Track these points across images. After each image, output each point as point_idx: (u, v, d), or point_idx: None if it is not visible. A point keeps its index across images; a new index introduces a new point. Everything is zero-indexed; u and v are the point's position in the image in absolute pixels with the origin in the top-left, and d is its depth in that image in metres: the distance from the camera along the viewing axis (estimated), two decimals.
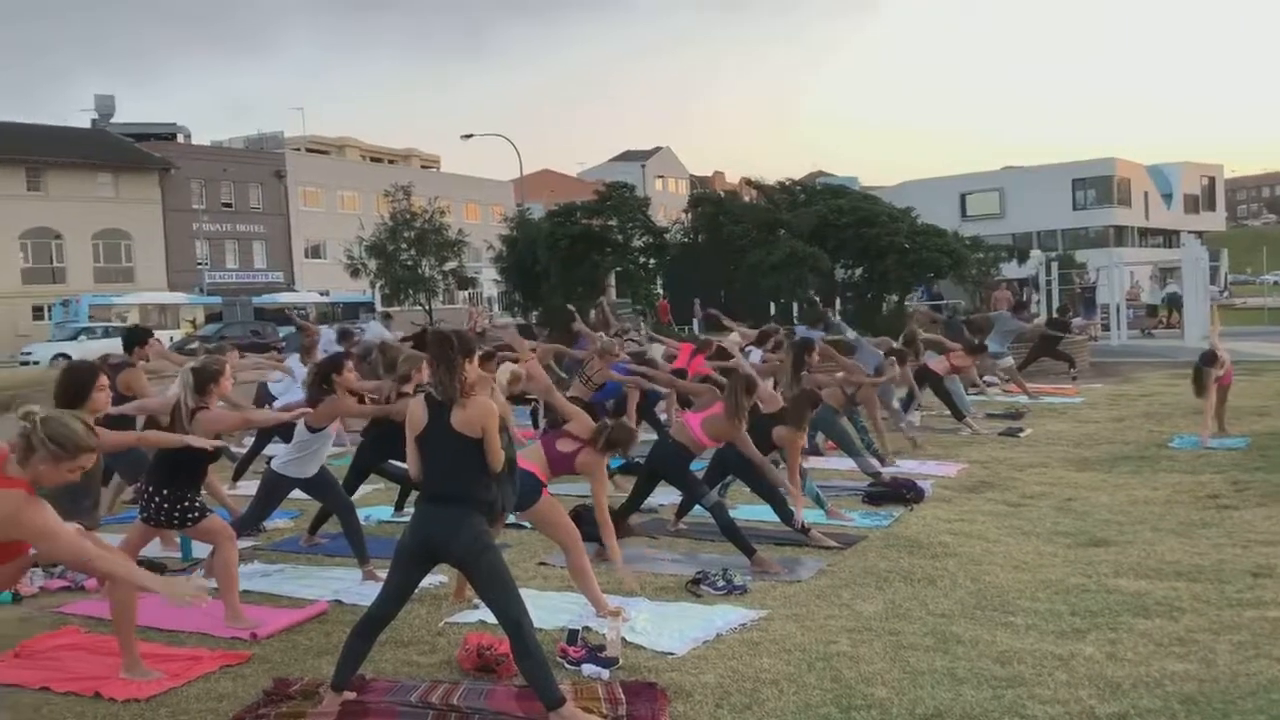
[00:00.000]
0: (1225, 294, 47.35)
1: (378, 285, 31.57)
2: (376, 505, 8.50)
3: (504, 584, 4.18)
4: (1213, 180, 73.93)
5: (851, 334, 12.04)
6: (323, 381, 6.46)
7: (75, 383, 5.39)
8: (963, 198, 61.91)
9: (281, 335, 30.05)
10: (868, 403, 9.56)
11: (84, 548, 3.68)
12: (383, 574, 4.79)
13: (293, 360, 11.41)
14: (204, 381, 5.67)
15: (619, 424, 5.89)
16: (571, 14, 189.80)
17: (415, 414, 4.25)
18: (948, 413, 12.29)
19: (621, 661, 4.80)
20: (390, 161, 69.63)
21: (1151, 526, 7.16)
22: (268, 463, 7.29)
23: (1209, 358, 10.57)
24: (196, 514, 5.65)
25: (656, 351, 11.80)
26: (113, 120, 54.22)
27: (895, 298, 20.50)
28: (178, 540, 7.06)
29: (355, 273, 31.62)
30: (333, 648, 4.89)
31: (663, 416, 11.24)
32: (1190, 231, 50.58)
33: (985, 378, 14.80)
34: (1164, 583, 5.78)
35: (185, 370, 5.72)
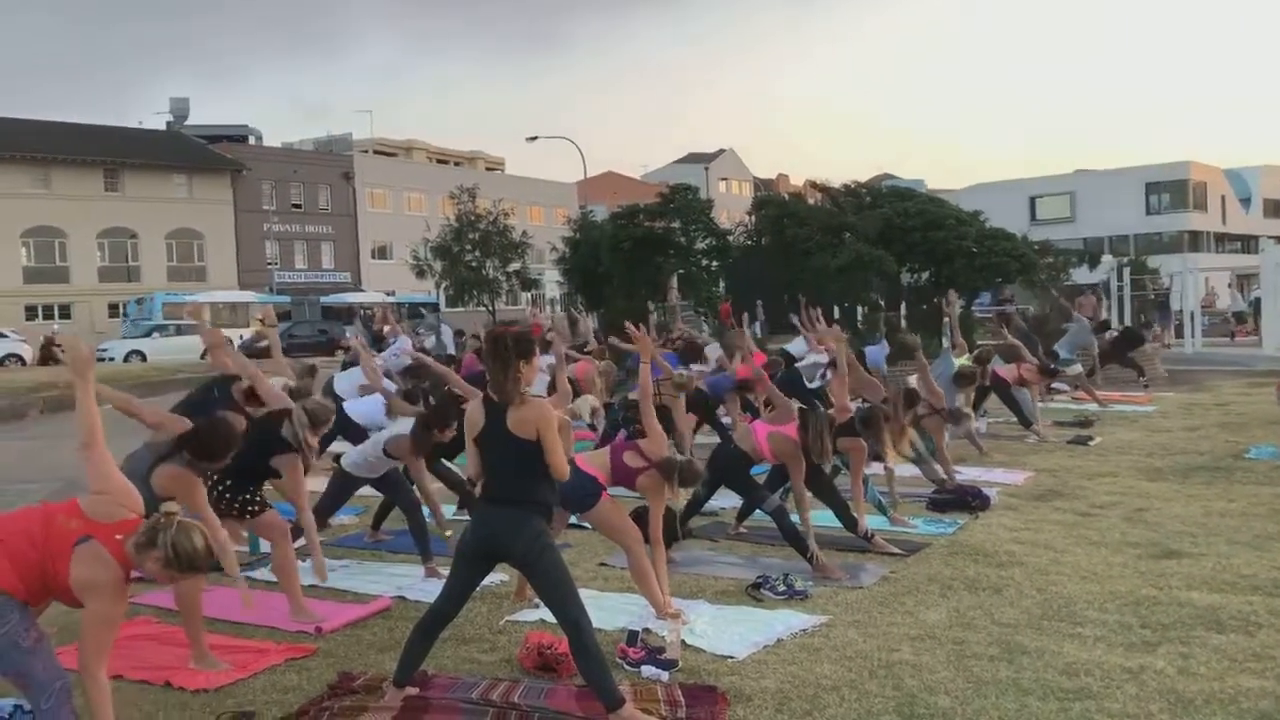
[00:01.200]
0: None
1: (442, 286, 31.89)
2: (445, 502, 8.58)
3: (563, 584, 4.19)
4: None
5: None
6: (426, 429, 6.58)
7: (218, 439, 5.25)
8: (1032, 201, 60.92)
9: (348, 334, 30.54)
10: (934, 430, 9.31)
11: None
12: (445, 571, 4.84)
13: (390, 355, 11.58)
14: (316, 423, 5.91)
15: (690, 464, 5.83)
16: (637, 12, 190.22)
17: (473, 416, 4.30)
18: (1015, 420, 12.10)
19: (681, 664, 4.79)
20: (456, 164, 70.34)
21: (1226, 539, 6.97)
22: (335, 460, 7.40)
23: None
24: (257, 507, 5.78)
25: (713, 352, 11.77)
26: (187, 123, 55.44)
27: (963, 303, 20.21)
28: (245, 535, 7.19)
29: (420, 273, 32.00)
30: (396, 643, 4.95)
31: (725, 420, 11.21)
32: (1270, 237, 49.23)
33: (1054, 384, 14.51)
34: (1239, 596, 5.63)
35: (299, 410, 5.90)
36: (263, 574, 6.50)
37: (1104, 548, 6.83)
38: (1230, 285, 40.25)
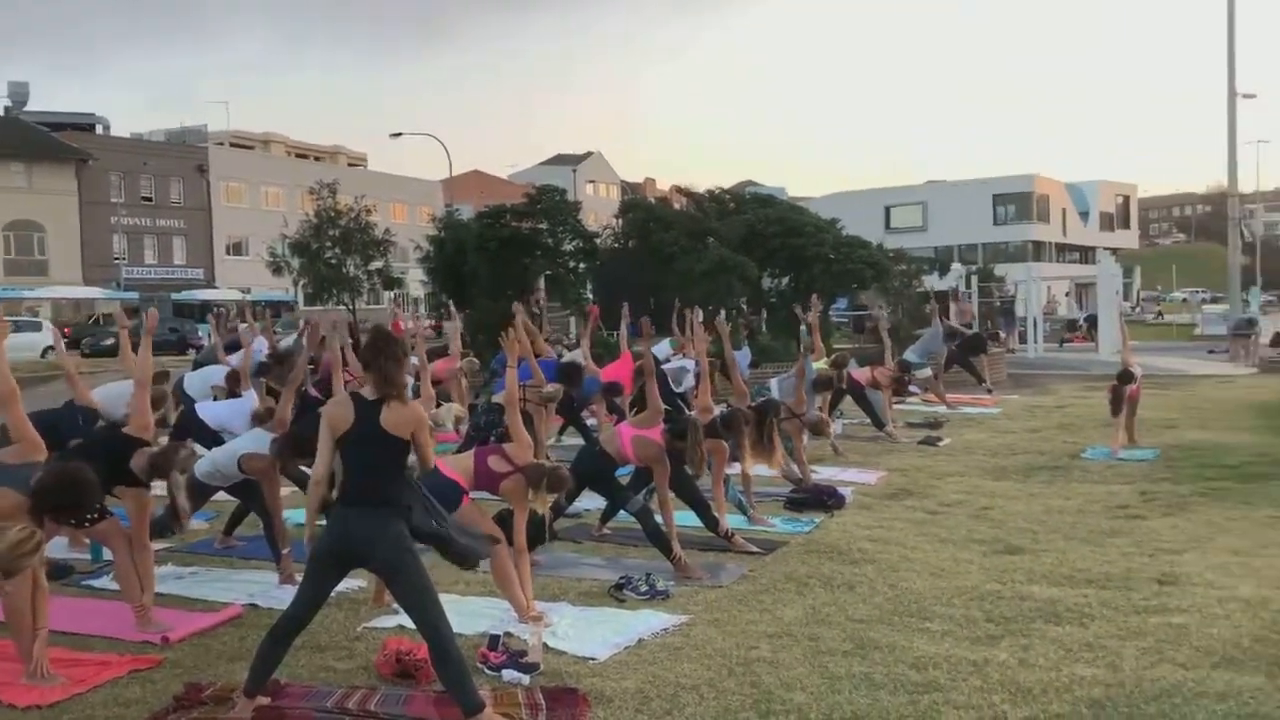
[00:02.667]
0: (1138, 310, 48.79)
1: (300, 284, 31.03)
2: (295, 508, 8.35)
3: (424, 589, 4.13)
4: (1127, 199, 76.11)
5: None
6: (289, 454, 6.34)
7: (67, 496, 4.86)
8: (887, 210, 62.87)
9: (200, 333, 29.45)
10: (793, 433, 9.51)
11: None
12: (300, 577, 4.72)
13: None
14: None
15: (557, 470, 5.81)
16: (506, 13, 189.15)
17: (340, 413, 4.18)
18: (869, 421, 12.49)
19: (543, 667, 4.78)
20: (316, 158, 68.60)
21: (1064, 535, 7.34)
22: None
23: (1126, 376, 10.90)
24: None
25: (579, 357, 11.79)
26: (26, 108, 52.54)
27: (820, 308, 20.78)
28: (87, 541, 6.86)
29: (278, 270, 31.03)
30: (247, 652, 4.79)
31: (591, 422, 11.24)
32: (1105, 248, 52.07)
33: (911, 386, 14.99)
34: (1075, 590, 5.93)
35: (177, 475, 5.71)
36: (104, 582, 6.22)
37: (951, 544, 7.11)
38: (1068, 294, 42.41)
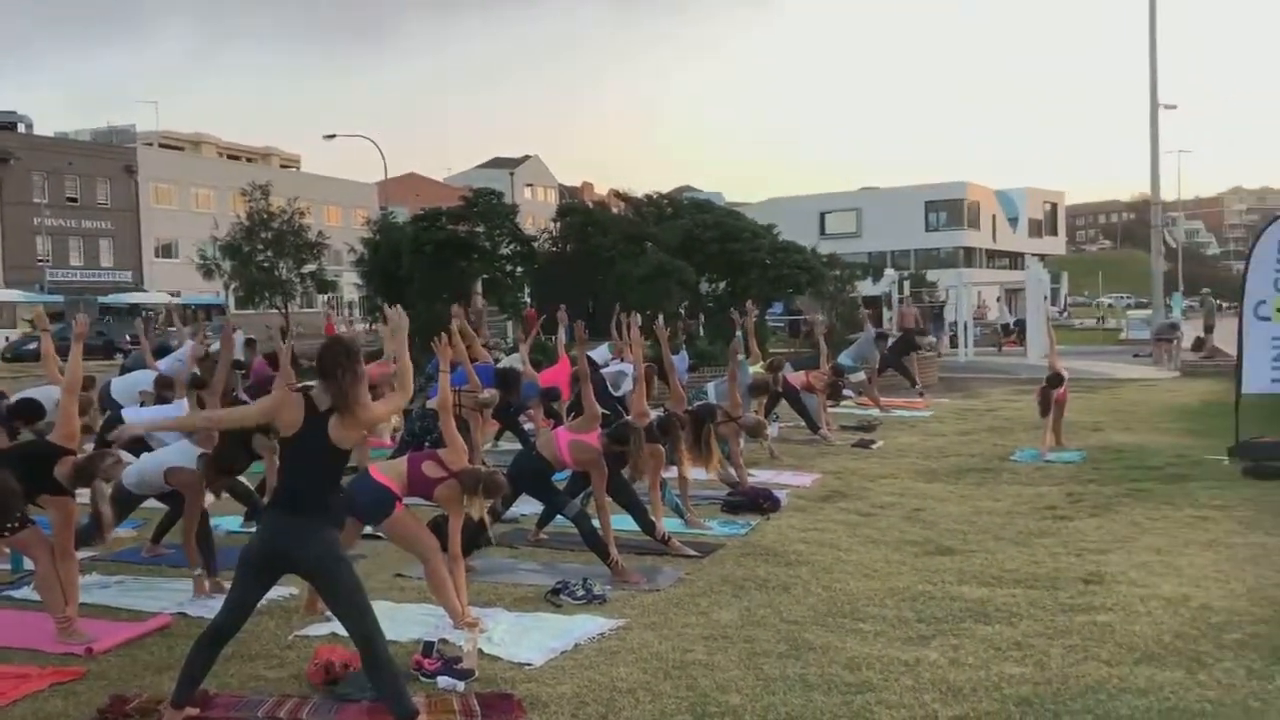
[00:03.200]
0: (1065, 314, 49.85)
1: (231, 287, 30.51)
2: (225, 515, 8.20)
3: (356, 597, 4.08)
4: (1055, 206, 77.78)
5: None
6: (215, 471, 6.26)
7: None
8: (822, 216, 63.52)
9: (129, 337, 28.82)
10: (730, 437, 9.55)
11: None
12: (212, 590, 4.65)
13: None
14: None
15: (493, 476, 5.77)
16: (445, 15, 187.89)
17: (291, 415, 4.04)
18: (804, 424, 12.60)
19: (478, 673, 4.75)
20: (248, 160, 67.53)
21: (994, 536, 7.47)
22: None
23: (1055, 380, 11.15)
24: (17, 524, 5.38)
25: (516, 363, 11.75)
26: None
27: (757, 312, 20.96)
28: (7, 551, 6.67)
29: (208, 273, 30.48)
30: (175, 663, 4.69)
31: (528, 426, 11.19)
32: (1034, 254, 53.12)
33: (846, 390, 15.16)
34: (1004, 590, 6.04)
35: (101, 484, 5.66)
36: (25, 593, 6.06)
37: (884, 546, 7.20)
38: (999, 299, 43.22)
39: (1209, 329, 25.94)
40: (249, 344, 15.02)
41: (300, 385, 4.33)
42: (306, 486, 4.07)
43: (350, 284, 34.78)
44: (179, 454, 6.39)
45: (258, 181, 30.29)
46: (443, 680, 4.65)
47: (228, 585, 4.43)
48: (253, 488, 7.61)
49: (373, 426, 4.21)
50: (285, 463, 4.11)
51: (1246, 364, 10.93)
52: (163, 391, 9.68)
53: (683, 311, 17.84)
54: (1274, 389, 11.12)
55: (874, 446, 11.97)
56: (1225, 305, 34.57)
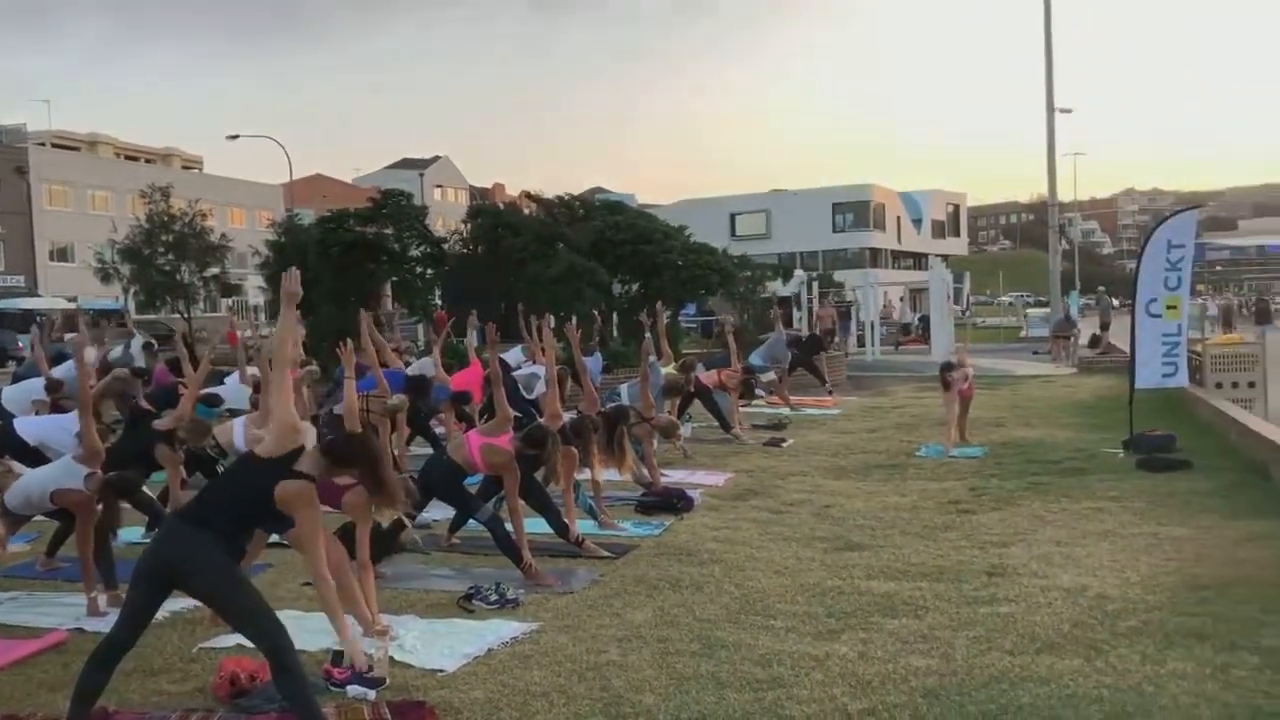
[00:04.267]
0: (968, 313, 51.08)
1: (131, 291, 29.64)
2: (126, 526, 7.96)
3: (255, 611, 3.98)
4: (957, 208, 79.73)
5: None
6: (111, 494, 6.05)
7: None
8: (733, 218, 64.17)
9: (21, 344, 27.78)
10: (643, 437, 9.59)
11: None
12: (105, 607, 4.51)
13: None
14: None
15: (402, 483, 5.68)
16: (349, 16, 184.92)
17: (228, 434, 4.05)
18: (716, 424, 12.70)
19: (389, 681, 4.69)
20: (148, 160, 65.58)
21: (900, 531, 7.63)
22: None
23: (948, 365, 11.50)
24: None
25: (428, 366, 11.64)
26: None
27: (669, 314, 21.06)
28: None
29: (106, 277, 29.56)
30: (70, 680, 4.52)
31: (440, 430, 11.09)
32: (937, 255, 54.31)
33: (757, 390, 15.32)
34: (910, 583, 6.17)
35: None
36: None
37: (795, 543, 7.30)
38: (902, 299, 44.08)
39: (1104, 326, 26.81)
40: (148, 349, 14.61)
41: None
42: (215, 509, 3.98)
43: (255, 287, 34.05)
44: (64, 472, 6.12)
45: (158, 183, 29.50)
46: (352, 689, 4.58)
47: (104, 607, 4.28)
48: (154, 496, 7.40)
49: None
50: (217, 475, 4.02)
51: (1139, 360, 11.34)
52: (57, 399, 9.37)
53: (597, 314, 17.86)
54: (1165, 383, 11.57)
55: (785, 445, 12.12)
56: (1119, 303, 35.77)
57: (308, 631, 5.15)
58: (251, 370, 10.56)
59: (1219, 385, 13.32)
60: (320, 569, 4.17)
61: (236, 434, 8.13)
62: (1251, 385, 13.34)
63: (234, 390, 11.05)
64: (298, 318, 4.34)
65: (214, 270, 29.08)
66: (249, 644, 4.28)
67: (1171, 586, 5.92)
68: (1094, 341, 26.00)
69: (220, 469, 7.86)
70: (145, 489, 7.39)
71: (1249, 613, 5.37)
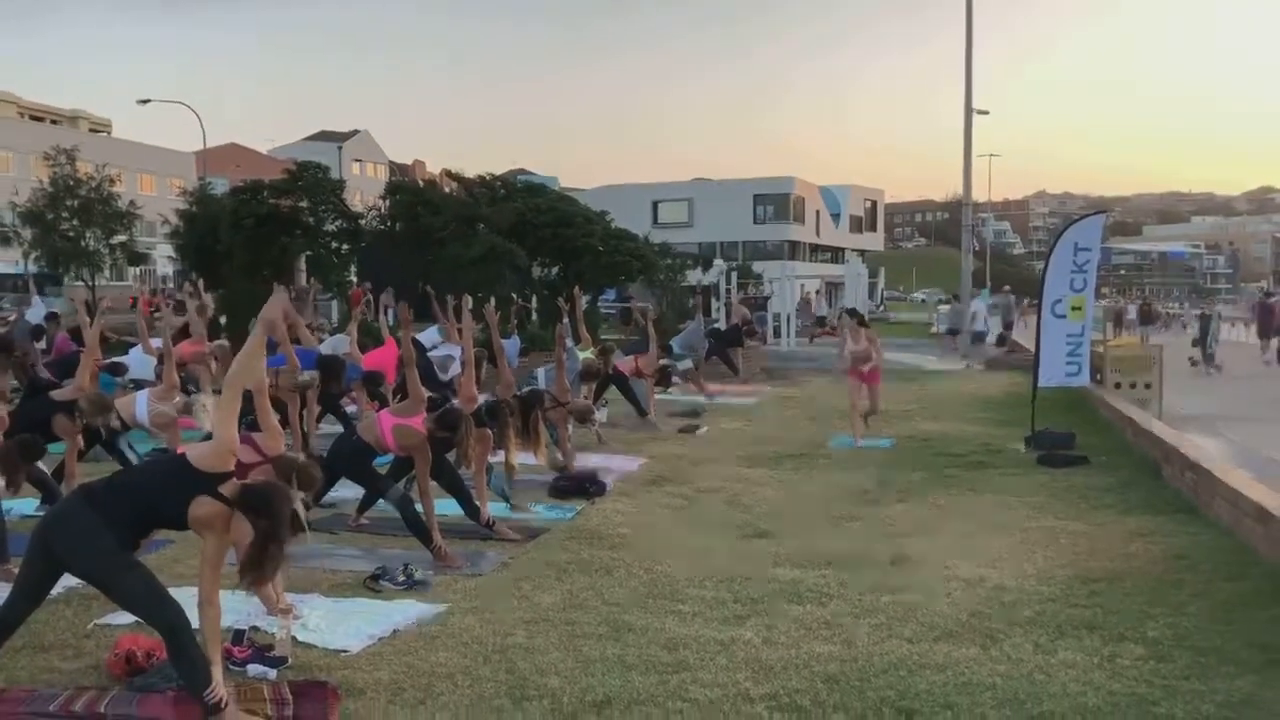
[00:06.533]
0: (881, 308, 51.96)
1: (33, 257, 28.62)
2: (19, 498, 7.70)
3: (146, 594, 3.91)
4: (874, 204, 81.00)
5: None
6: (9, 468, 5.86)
7: None
8: (655, 205, 64.31)
9: None
10: (558, 421, 9.56)
11: None
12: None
13: None
14: None
15: (308, 465, 5.59)
16: None
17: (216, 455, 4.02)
18: (632, 410, 12.75)
19: (292, 661, 4.63)
20: (54, 122, 63.31)
21: (809, 519, 7.75)
22: None
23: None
24: None
25: (341, 343, 11.46)
26: None
27: (588, 298, 21.09)
28: None
29: (5, 241, 28.52)
30: None
31: (351, 409, 10.93)
32: (854, 249, 55.16)
33: (674, 378, 15.39)
34: (816, 571, 6.28)
35: None
36: None
37: (705, 529, 7.38)
38: (818, 291, 44.68)
39: (1008, 325, 27.51)
40: (51, 318, 14.14)
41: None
42: (119, 495, 3.89)
43: (165, 257, 33.20)
44: None
45: (63, 145, 28.52)
46: (253, 668, 4.52)
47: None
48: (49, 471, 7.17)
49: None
50: (134, 463, 3.92)
51: (1043, 358, 11.67)
52: None
53: (517, 296, 17.76)
54: (1068, 381, 11.93)
55: (699, 433, 12.22)
56: (1028, 302, 36.68)
57: None
58: (155, 341, 10.29)
59: (1118, 385, 13.77)
60: (212, 594, 4.00)
61: (139, 406, 7.91)
62: (1148, 386, 13.81)
63: (138, 361, 10.75)
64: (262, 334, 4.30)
65: (121, 238, 28.24)
66: None
67: (1065, 579, 6.12)
68: (1000, 340, 26.65)
69: (119, 443, 7.64)
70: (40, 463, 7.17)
71: (1136, 605, 5.58)
